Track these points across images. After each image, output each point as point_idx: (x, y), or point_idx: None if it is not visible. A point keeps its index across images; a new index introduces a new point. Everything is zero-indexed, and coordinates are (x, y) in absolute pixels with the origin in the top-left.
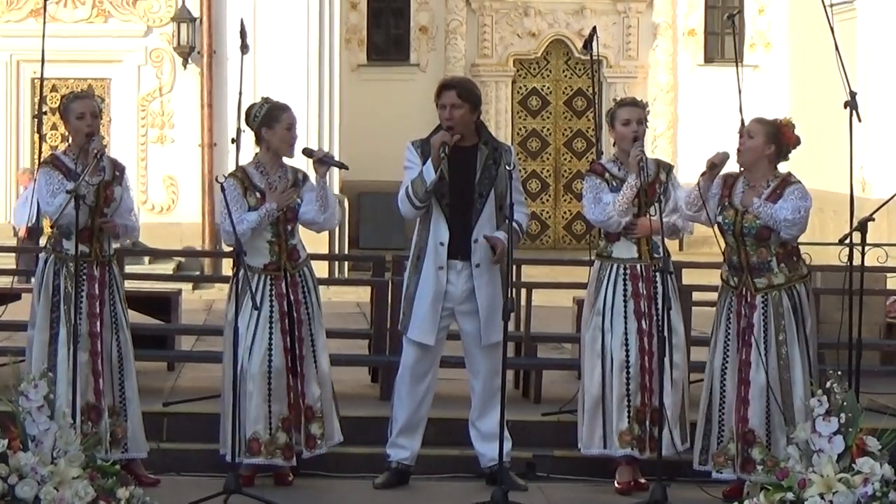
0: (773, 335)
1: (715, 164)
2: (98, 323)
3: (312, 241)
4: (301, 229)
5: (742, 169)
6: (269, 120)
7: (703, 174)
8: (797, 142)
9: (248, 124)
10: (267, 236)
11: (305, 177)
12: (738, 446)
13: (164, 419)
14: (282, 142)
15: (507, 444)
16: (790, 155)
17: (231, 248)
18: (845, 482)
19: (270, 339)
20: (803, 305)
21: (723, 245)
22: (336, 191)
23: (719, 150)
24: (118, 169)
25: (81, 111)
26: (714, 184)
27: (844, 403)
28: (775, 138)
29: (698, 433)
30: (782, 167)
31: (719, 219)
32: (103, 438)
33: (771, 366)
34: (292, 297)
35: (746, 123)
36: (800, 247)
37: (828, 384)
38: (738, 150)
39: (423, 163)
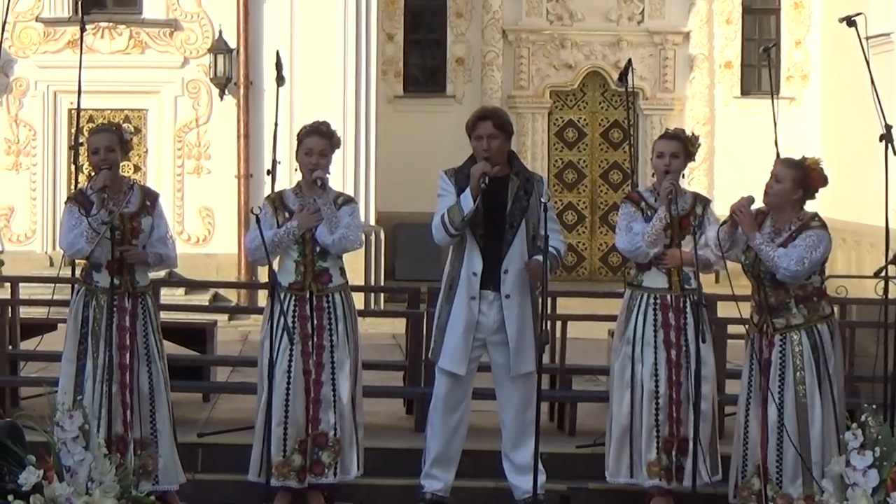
0: (791, 374)
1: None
2: (128, 354)
3: (349, 272)
4: (345, 256)
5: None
6: (298, 143)
7: (724, 222)
8: (824, 183)
9: None
10: (294, 255)
11: (347, 200)
12: (762, 481)
13: (198, 450)
14: (301, 165)
15: (542, 477)
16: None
17: (266, 279)
18: None
19: (290, 361)
20: (825, 345)
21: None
22: (372, 222)
23: (749, 192)
24: (149, 198)
25: (96, 146)
26: None
27: (879, 437)
28: (803, 182)
29: (732, 468)
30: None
31: (741, 258)
32: (129, 470)
33: (788, 404)
34: (316, 322)
35: (774, 163)
36: (825, 288)
37: (863, 417)
38: (766, 193)
39: (457, 191)
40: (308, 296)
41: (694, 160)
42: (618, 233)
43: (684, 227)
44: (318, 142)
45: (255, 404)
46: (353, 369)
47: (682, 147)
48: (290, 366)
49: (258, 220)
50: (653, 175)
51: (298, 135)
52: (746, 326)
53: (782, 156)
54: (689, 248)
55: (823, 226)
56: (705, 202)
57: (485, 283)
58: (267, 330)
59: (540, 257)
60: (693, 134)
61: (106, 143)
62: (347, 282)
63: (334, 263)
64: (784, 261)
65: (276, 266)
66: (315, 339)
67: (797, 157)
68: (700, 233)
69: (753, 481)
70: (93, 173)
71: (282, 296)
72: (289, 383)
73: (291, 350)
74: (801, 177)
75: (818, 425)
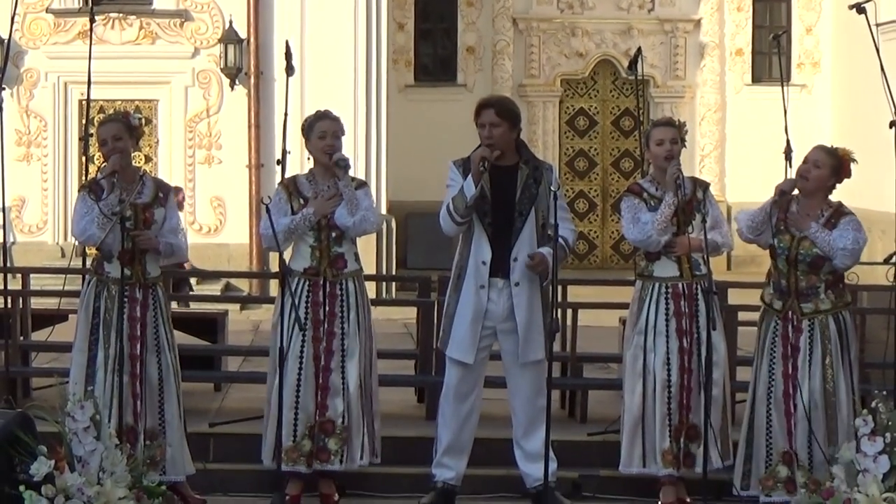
0: (820, 359)
1: (784, 192)
2: (138, 345)
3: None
4: (359, 242)
5: (798, 194)
6: (308, 130)
7: (773, 200)
8: (850, 175)
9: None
10: (309, 241)
11: (361, 184)
12: (789, 469)
13: (210, 440)
14: (316, 150)
15: (553, 464)
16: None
17: (277, 269)
18: (890, 501)
19: (302, 347)
20: (849, 331)
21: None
22: (383, 210)
23: (758, 179)
24: (162, 191)
25: (103, 138)
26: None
27: (890, 423)
28: (837, 171)
29: (739, 457)
30: None
31: (774, 242)
32: (139, 460)
33: (815, 389)
34: (328, 308)
35: (809, 150)
36: (844, 275)
37: (873, 404)
38: (802, 177)
39: (464, 180)
40: (322, 281)
41: (685, 146)
42: (625, 226)
43: (688, 213)
44: (330, 124)
45: (266, 390)
46: (363, 358)
47: (678, 133)
48: (301, 351)
49: (268, 210)
50: (649, 165)
51: (304, 124)
52: (765, 303)
53: (792, 143)
54: (695, 233)
55: (853, 213)
56: (705, 185)
57: (494, 271)
58: (278, 316)
59: (544, 249)
60: (680, 121)
61: (113, 133)
62: (362, 268)
63: (349, 249)
64: (841, 241)
65: (290, 251)
66: (326, 326)
67: (810, 143)
68: (704, 216)
69: (779, 469)
70: (104, 164)
71: (295, 282)
72: (300, 369)
73: (304, 335)
74: (838, 165)
75: (844, 410)
